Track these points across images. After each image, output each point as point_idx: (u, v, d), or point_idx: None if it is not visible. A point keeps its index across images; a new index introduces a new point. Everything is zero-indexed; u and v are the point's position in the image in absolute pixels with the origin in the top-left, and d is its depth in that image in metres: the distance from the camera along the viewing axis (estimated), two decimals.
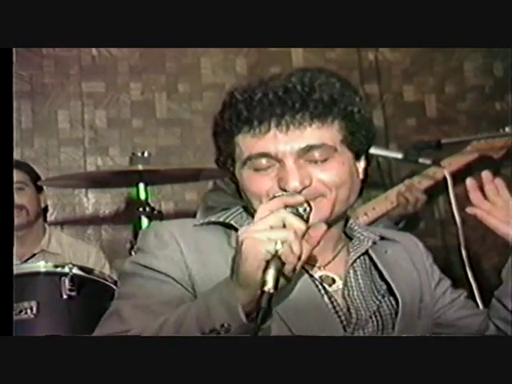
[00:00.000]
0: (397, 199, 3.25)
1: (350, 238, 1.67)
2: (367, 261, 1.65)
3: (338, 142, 1.51)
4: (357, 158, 1.57)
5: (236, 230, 1.56)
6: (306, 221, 1.38)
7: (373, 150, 2.94)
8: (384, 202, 3.27)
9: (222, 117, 1.54)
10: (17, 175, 3.33)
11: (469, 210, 1.62)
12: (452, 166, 3.25)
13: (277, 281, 1.29)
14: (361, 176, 1.60)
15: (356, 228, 1.68)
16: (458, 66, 4.19)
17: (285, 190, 1.46)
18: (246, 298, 1.33)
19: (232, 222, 1.59)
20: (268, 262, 1.29)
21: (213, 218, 1.62)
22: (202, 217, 3.00)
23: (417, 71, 4.16)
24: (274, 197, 1.44)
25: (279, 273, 1.30)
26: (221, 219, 1.61)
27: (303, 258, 1.33)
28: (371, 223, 3.22)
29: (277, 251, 1.30)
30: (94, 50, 3.85)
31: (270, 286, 1.28)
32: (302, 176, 1.47)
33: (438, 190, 3.41)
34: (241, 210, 1.63)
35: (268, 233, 1.31)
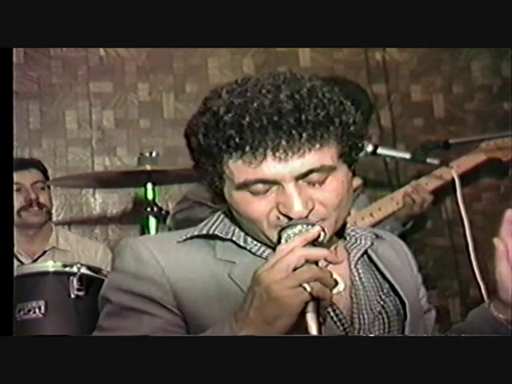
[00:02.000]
0: (403, 200, 3.25)
1: (340, 237, 1.60)
2: (366, 259, 1.60)
3: (336, 159, 1.44)
4: (350, 167, 1.49)
5: (222, 239, 1.52)
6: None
7: (380, 151, 3.00)
8: (390, 203, 3.27)
9: (207, 140, 1.42)
10: (38, 175, 3.44)
11: (495, 240, 1.50)
12: (460, 168, 3.25)
13: (319, 324, 1.27)
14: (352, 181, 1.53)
15: (347, 226, 1.62)
16: (465, 66, 4.18)
17: (287, 216, 1.40)
18: None
19: (217, 233, 1.53)
20: (305, 307, 1.26)
21: (196, 232, 1.54)
22: (176, 207, 3.02)
23: (424, 71, 4.15)
24: (283, 228, 1.39)
25: (318, 314, 1.27)
26: (204, 231, 1.54)
27: (332, 282, 1.30)
28: (377, 224, 3.22)
29: (312, 294, 1.26)
30: (101, 51, 3.86)
31: (314, 332, 1.26)
32: (304, 200, 1.40)
33: (445, 190, 3.42)
34: (222, 216, 1.57)
35: (296, 278, 1.26)
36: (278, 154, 1.38)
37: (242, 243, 1.51)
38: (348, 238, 1.61)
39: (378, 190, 3.67)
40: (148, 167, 2.96)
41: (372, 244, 1.61)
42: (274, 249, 1.47)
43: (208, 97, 1.47)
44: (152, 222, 2.99)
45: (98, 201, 3.85)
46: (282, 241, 1.39)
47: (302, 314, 1.27)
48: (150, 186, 3.03)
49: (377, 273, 1.60)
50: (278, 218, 1.42)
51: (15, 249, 3.36)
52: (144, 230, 3.06)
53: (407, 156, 3.06)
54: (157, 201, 3.04)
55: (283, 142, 1.37)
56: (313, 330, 1.26)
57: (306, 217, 1.40)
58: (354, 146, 1.47)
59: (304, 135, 1.38)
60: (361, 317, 1.51)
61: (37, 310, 2.70)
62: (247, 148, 1.38)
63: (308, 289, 1.25)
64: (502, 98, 4.16)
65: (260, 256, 1.50)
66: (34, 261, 3.30)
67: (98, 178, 3.42)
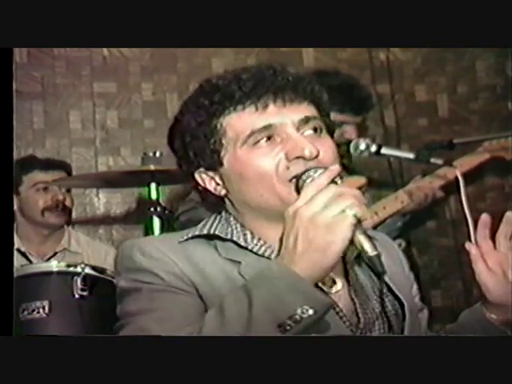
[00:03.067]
0: (410, 198, 3.25)
1: None
2: (360, 260, 1.61)
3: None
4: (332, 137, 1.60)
5: (222, 239, 1.54)
6: None
7: (384, 150, 3.00)
8: (394, 202, 3.27)
9: (208, 98, 1.52)
10: (65, 177, 3.44)
11: (467, 245, 1.56)
12: (463, 167, 3.24)
13: (372, 243, 1.34)
14: None
15: None
16: (469, 66, 4.19)
17: (300, 157, 1.46)
18: (315, 278, 1.34)
19: (217, 233, 1.55)
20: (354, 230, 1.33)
21: (197, 232, 1.57)
22: (180, 208, 3.02)
23: (428, 71, 4.15)
24: (299, 177, 1.44)
25: (367, 234, 1.34)
26: (205, 231, 1.57)
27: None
28: (381, 223, 3.22)
29: (356, 217, 1.32)
30: (105, 51, 3.86)
31: (371, 250, 1.33)
32: (311, 143, 1.47)
33: (449, 190, 3.41)
34: (219, 217, 1.60)
35: (337, 207, 1.32)
36: (277, 103, 1.49)
37: (242, 243, 1.53)
38: None
39: (382, 189, 3.67)
40: (152, 167, 2.96)
41: None
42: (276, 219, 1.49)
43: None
44: (156, 221, 2.98)
45: (102, 201, 3.86)
46: (306, 185, 1.43)
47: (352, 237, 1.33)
48: (153, 185, 3.02)
49: (371, 273, 1.61)
50: (288, 167, 1.47)
51: (26, 248, 3.39)
52: (148, 229, 3.06)
53: (411, 156, 3.05)
54: (161, 201, 3.04)
55: (279, 92, 1.49)
56: (368, 248, 1.34)
57: (317, 155, 1.46)
58: (328, 119, 1.58)
59: (296, 88, 1.52)
60: (365, 316, 1.52)
61: (41, 310, 2.70)
62: (249, 101, 1.50)
63: (352, 212, 1.32)
64: (506, 98, 4.15)
65: (263, 255, 1.53)
66: (45, 261, 3.29)
67: (102, 178, 3.41)
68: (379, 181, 3.79)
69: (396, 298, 1.58)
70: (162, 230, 3.00)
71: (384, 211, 3.26)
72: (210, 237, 1.55)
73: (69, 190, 3.49)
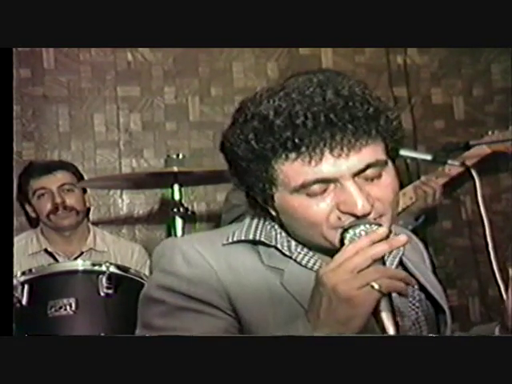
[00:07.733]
0: (415, 194, 3.29)
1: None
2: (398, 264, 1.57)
3: (385, 154, 1.43)
4: (394, 162, 1.48)
5: (266, 245, 1.49)
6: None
7: (402, 152, 3.03)
8: (403, 198, 3.29)
9: (261, 144, 1.37)
10: (66, 177, 3.45)
11: None
12: (470, 162, 3.26)
13: (396, 322, 1.26)
14: None
15: None
16: (485, 69, 4.18)
17: (352, 214, 1.37)
18: None
19: (263, 239, 1.50)
20: (377, 305, 1.26)
21: (242, 236, 1.50)
22: (228, 216, 3.03)
23: (445, 74, 4.15)
24: (345, 229, 1.36)
25: (393, 312, 1.27)
26: (250, 237, 1.50)
27: (403, 275, 1.30)
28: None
29: (381, 291, 1.24)
30: (129, 56, 3.89)
31: (392, 332, 1.25)
32: (365, 196, 1.37)
33: (465, 190, 3.44)
34: (262, 221, 1.53)
35: (364, 279, 1.25)
36: (335, 152, 1.35)
37: (286, 251, 1.49)
38: None
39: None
40: (175, 168, 2.98)
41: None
42: (324, 252, 1.46)
43: (245, 105, 1.42)
44: (178, 222, 3.02)
45: (126, 201, 3.89)
46: (346, 242, 1.36)
47: (375, 312, 1.26)
48: (176, 187, 3.05)
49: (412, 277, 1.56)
50: (340, 218, 1.39)
51: (53, 249, 3.43)
52: (170, 230, 3.09)
53: (428, 157, 3.08)
54: (183, 201, 3.07)
55: (338, 139, 1.34)
56: (390, 330, 1.26)
57: (369, 213, 1.37)
58: (399, 140, 1.46)
59: (359, 130, 1.36)
60: (404, 324, 1.51)
61: (68, 307, 2.73)
62: (303, 148, 1.35)
63: (376, 286, 1.24)
64: None
65: (305, 266, 1.49)
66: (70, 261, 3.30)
67: (126, 179, 3.45)
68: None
69: (436, 304, 1.56)
70: (184, 230, 3.05)
71: None
72: (254, 242, 1.50)
73: (72, 190, 3.44)
